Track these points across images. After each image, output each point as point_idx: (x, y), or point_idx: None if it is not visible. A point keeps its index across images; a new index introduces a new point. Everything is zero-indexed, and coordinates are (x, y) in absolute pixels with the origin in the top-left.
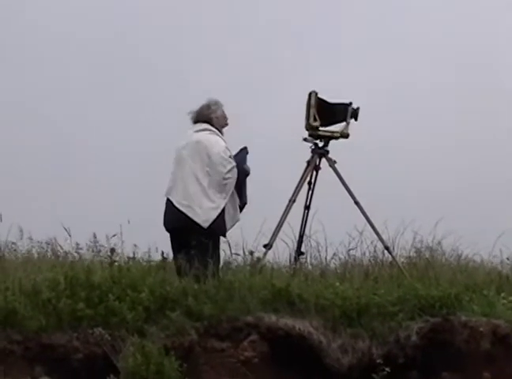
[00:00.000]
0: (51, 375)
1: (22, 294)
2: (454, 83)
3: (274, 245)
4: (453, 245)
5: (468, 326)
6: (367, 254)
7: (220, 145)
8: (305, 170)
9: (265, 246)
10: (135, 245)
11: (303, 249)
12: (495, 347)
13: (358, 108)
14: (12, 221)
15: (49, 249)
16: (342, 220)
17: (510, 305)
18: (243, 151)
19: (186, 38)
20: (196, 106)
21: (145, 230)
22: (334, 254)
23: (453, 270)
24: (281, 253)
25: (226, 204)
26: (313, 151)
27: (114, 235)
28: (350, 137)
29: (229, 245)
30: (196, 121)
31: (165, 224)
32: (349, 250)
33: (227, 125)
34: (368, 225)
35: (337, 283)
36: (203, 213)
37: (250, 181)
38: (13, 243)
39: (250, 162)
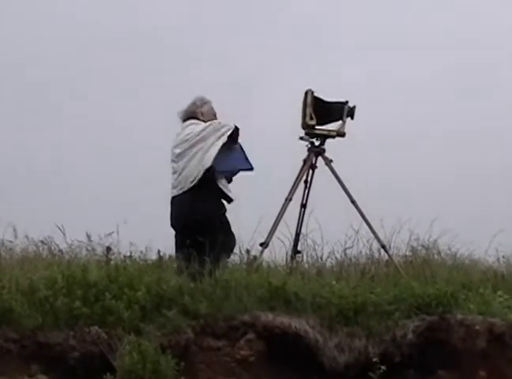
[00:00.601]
0: (48, 373)
1: (19, 293)
2: (454, 80)
3: (270, 243)
4: (449, 243)
5: (465, 324)
6: (364, 253)
7: (206, 126)
8: (301, 169)
9: (261, 245)
10: (131, 243)
11: (299, 248)
12: (490, 346)
13: (354, 107)
14: (7, 220)
15: (45, 248)
16: (338, 219)
17: (505, 303)
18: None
19: (185, 38)
20: (184, 105)
21: (142, 228)
22: (330, 253)
23: (450, 269)
24: (278, 251)
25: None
26: (309, 149)
27: (110, 233)
28: (347, 136)
29: None
30: (184, 119)
31: (173, 223)
32: (345, 249)
33: (215, 116)
34: (364, 224)
35: (334, 282)
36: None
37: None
38: (10, 241)
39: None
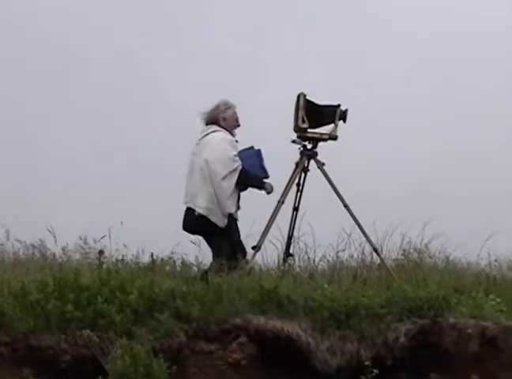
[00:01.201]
0: (40, 377)
1: (10, 296)
2: (448, 86)
3: (262, 247)
4: (441, 247)
5: (457, 328)
6: (356, 256)
7: (220, 147)
8: (293, 172)
9: (253, 248)
10: (124, 246)
11: (291, 251)
12: (483, 349)
13: (346, 110)
14: None
15: (36, 251)
16: (331, 222)
17: (498, 307)
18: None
19: (183, 37)
20: (207, 107)
21: (135, 231)
22: (323, 256)
23: (442, 272)
24: (270, 254)
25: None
26: (301, 153)
27: (102, 237)
28: (339, 139)
29: None
30: (206, 122)
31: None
32: (338, 252)
33: (237, 126)
34: (357, 227)
35: (326, 285)
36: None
37: None
38: (1, 244)
39: None
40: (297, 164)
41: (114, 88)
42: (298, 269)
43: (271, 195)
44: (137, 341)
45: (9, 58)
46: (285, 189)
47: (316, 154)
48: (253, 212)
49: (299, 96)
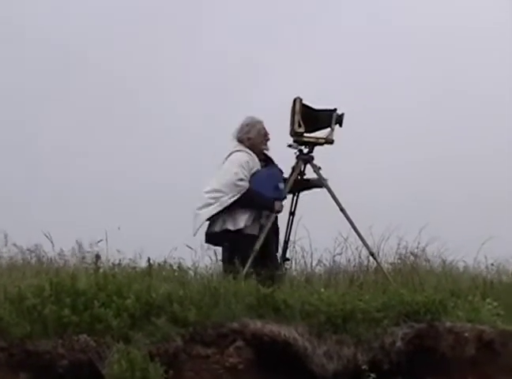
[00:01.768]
0: None
1: (7, 301)
2: (446, 88)
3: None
4: (437, 251)
5: (453, 332)
6: (352, 260)
7: (230, 173)
8: (290, 176)
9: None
10: (118, 251)
11: (288, 256)
12: (479, 353)
13: (343, 114)
14: None
15: (33, 256)
16: (327, 226)
17: (494, 310)
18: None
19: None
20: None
21: (132, 236)
22: (319, 260)
23: (438, 276)
24: None
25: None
26: (297, 157)
27: (99, 241)
28: (335, 143)
29: (214, 251)
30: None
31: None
32: (334, 256)
33: (265, 141)
34: (353, 231)
35: (322, 289)
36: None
37: None
38: None
39: None
40: (293, 169)
41: (115, 88)
42: (295, 273)
43: None
44: (133, 345)
45: (9, 58)
46: None
47: (312, 158)
48: None
49: (295, 101)
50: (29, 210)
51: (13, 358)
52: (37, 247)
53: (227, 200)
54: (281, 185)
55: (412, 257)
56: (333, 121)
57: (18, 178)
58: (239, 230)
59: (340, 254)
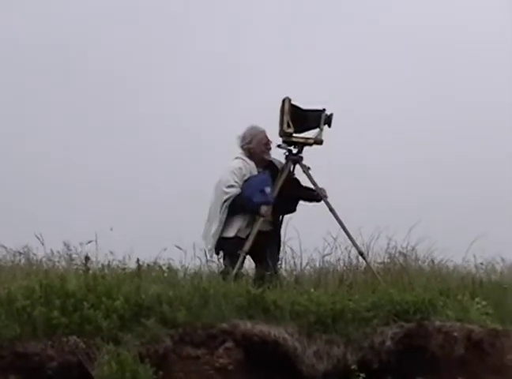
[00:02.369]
0: None
1: None
2: (431, 92)
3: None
4: (427, 250)
5: (443, 331)
6: (342, 260)
7: (222, 180)
8: (279, 177)
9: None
10: (111, 252)
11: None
12: (469, 352)
13: (331, 114)
14: None
15: (23, 258)
16: (317, 227)
17: (483, 310)
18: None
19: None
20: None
21: (121, 237)
22: (309, 261)
23: (428, 275)
24: None
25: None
26: (287, 157)
27: (88, 242)
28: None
29: (205, 252)
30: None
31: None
32: (324, 256)
33: (266, 150)
34: (343, 231)
35: (312, 290)
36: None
37: None
38: None
39: None
40: (283, 169)
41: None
42: (284, 274)
43: None
44: (123, 347)
45: (9, 58)
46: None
47: (301, 159)
48: None
49: (284, 101)
50: (20, 211)
51: (3, 359)
52: (27, 248)
53: (223, 215)
54: (267, 189)
55: (401, 257)
56: (322, 122)
57: (14, 179)
58: (233, 237)
59: (329, 254)
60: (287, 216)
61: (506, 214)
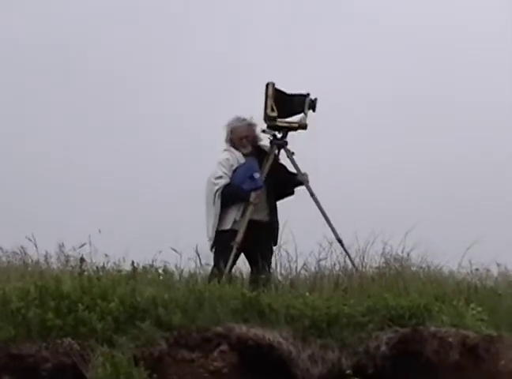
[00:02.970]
0: None
1: None
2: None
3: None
4: (422, 255)
5: (438, 336)
6: (337, 265)
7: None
8: (265, 162)
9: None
10: (106, 255)
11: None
12: (463, 358)
13: (316, 99)
14: None
15: (17, 259)
16: (312, 231)
17: (478, 315)
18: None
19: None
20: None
21: (116, 239)
22: (304, 264)
23: (423, 280)
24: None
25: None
26: (271, 142)
27: (83, 245)
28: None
29: (198, 255)
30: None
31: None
32: (319, 261)
33: (243, 144)
34: (322, 217)
35: (307, 294)
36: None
37: None
38: None
39: None
40: (268, 154)
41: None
42: (279, 277)
43: None
44: (118, 349)
45: (9, 58)
46: None
47: (286, 143)
48: None
49: (267, 85)
50: (19, 211)
51: None
52: (22, 249)
53: (217, 209)
54: (256, 175)
55: (396, 262)
56: (307, 106)
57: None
58: (229, 230)
59: (325, 258)
60: (285, 208)
61: (505, 215)
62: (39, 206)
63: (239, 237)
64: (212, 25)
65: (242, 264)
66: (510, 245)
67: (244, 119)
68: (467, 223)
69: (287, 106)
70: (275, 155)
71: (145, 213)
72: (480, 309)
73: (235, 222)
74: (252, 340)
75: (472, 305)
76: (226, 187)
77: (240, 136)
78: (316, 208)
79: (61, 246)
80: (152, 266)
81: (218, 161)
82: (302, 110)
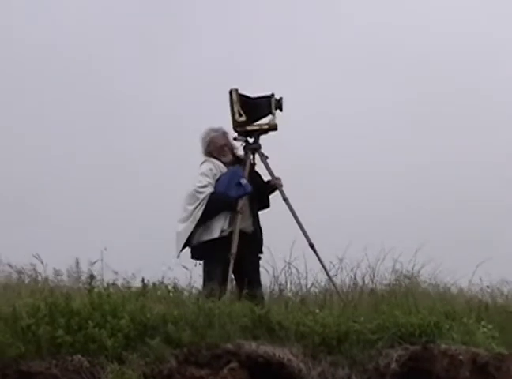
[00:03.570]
0: None
1: (1, 321)
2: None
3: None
4: (432, 272)
5: (448, 354)
6: (347, 281)
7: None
8: (243, 170)
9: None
10: (115, 272)
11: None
12: (474, 376)
13: (281, 98)
14: None
15: (28, 276)
16: (322, 248)
17: (489, 333)
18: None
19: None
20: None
21: (127, 256)
22: (314, 281)
23: (433, 298)
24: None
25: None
26: (245, 148)
27: (95, 262)
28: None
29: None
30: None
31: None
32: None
33: (222, 153)
34: (295, 222)
35: (317, 310)
36: None
37: None
38: None
39: None
40: (244, 161)
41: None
42: (289, 294)
43: None
44: (128, 366)
45: (9, 59)
46: None
47: (260, 147)
48: None
49: (231, 92)
50: (23, 228)
51: (7, 378)
52: (32, 266)
53: (198, 211)
54: (243, 181)
55: (406, 279)
56: (273, 107)
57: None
58: (219, 238)
59: (335, 275)
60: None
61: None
62: (48, 222)
63: (234, 248)
64: (213, 26)
65: None
66: None
67: (218, 129)
68: (478, 240)
69: (253, 109)
70: (250, 161)
71: (156, 229)
72: (490, 326)
73: (222, 231)
74: (262, 357)
75: (482, 323)
76: (212, 195)
77: (220, 145)
78: (289, 212)
79: (73, 263)
80: (161, 283)
81: (201, 172)
82: (269, 112)
